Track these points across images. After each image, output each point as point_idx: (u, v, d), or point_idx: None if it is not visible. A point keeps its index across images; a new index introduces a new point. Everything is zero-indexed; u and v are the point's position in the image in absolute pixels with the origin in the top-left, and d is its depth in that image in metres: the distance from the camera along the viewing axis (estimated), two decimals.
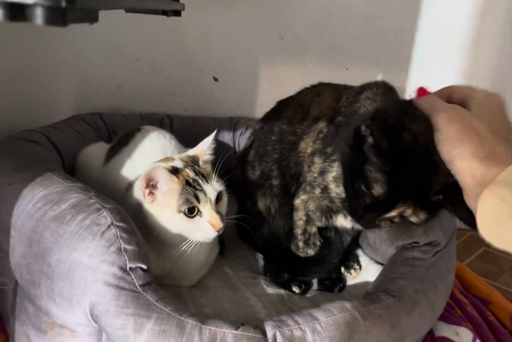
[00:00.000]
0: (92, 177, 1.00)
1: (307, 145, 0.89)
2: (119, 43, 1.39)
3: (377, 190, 0.67)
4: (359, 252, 1.08)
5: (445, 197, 0.66)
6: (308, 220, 0.92)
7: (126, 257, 0.67)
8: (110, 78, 1.43)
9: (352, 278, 1.00)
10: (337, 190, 0.82)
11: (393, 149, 0.64)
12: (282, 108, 1.01)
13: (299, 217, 0.92)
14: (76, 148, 1.09)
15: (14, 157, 0.88)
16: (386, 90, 0.82)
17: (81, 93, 1.42)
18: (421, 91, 0.72)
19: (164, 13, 0.93)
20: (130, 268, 0.67)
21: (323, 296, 0.94)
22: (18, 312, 0.77)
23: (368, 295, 0.80)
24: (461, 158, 0.55)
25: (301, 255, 0.96)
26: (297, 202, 0.92)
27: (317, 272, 0.97)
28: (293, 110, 0.97)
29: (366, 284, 0.96)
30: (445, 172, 0.61)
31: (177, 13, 0.95)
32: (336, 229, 0.97)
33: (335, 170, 0.81)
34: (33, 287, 0.70)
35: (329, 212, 0.90)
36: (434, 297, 0.81)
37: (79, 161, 1.06)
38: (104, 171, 0.99)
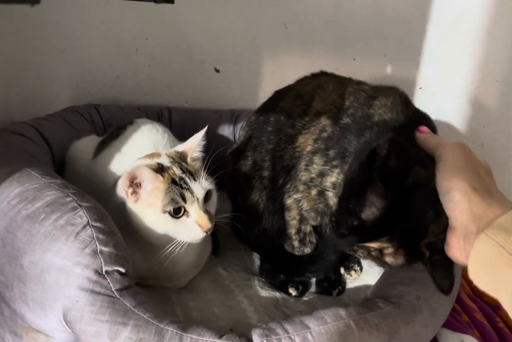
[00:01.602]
0: (82, 172, 0.97)
1: (306, 142, 0.84)
2: (117, 32, 1.34)
3: (368, 214, 0.62)
4: None
5: (431, 254, 0.63)
6: (302, 219, 0.87)
7: (102, 260, 0.63)
8: (108, 69, 1.38)
9: (352, 281, 0.95)
10: (334, 199, 0.77)
11: (402, 178, 0.60)
12: (278, 98, 0.95)
13: (293, 217, 0.87)
14: (68, 142, 1.04)
15: None
16: (403, 100, 0.78)
17: (78, 84, 1.38)
18: None
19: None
20: (106, 271, 0.63)
21: (320, 300, 0.89)
22: None
23: (366, 301, 0.75)
24: (460, 190, 0.53)
25: (298, 253, 0.91)
26: (289, 201, 0.86)
27: (314, 271, 0.92)
28: (292, 102, 0.92)
29: (366, 287, 0.91)
30: (444, 222, 0.58)
31: (169, 0, 0.89)
32: None
33: (335, 176, 0.77)
34: (7, 290, 0.66)
35: (324, 214, 0.84)
36: (437, 304, 0.76)
37: (69, 155, 1.01)
38: (93, 166, 0.95)
